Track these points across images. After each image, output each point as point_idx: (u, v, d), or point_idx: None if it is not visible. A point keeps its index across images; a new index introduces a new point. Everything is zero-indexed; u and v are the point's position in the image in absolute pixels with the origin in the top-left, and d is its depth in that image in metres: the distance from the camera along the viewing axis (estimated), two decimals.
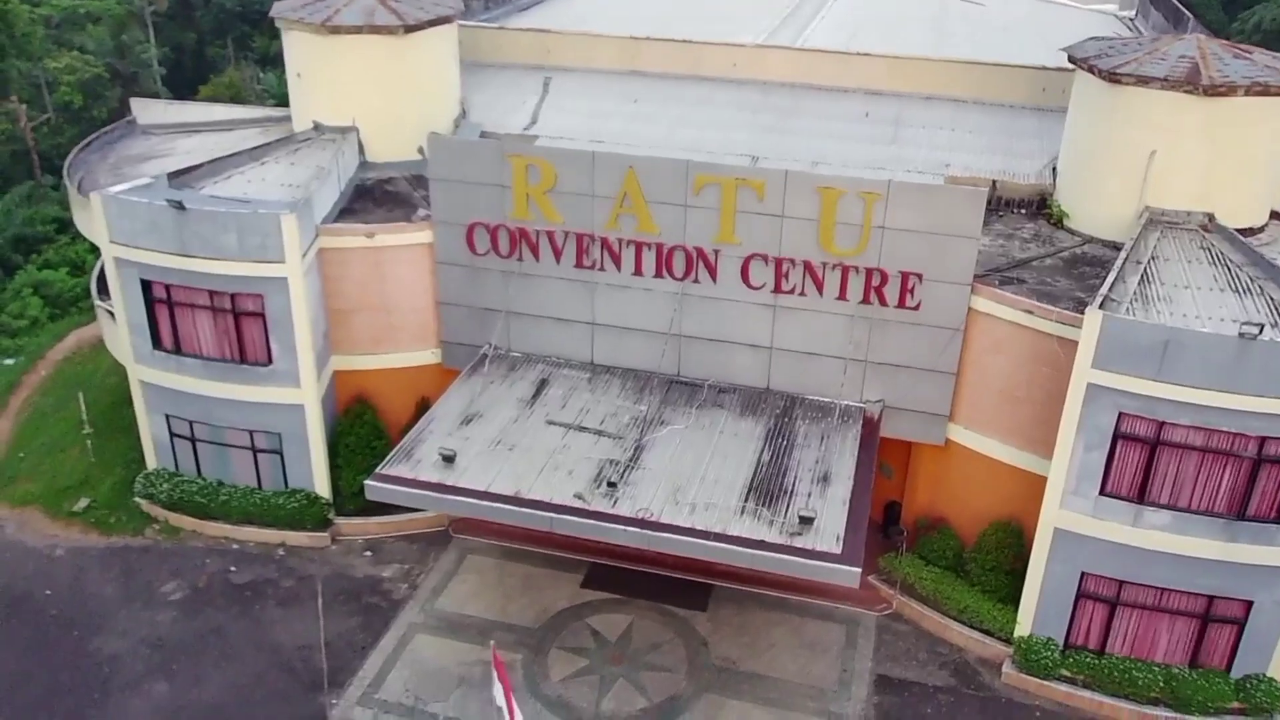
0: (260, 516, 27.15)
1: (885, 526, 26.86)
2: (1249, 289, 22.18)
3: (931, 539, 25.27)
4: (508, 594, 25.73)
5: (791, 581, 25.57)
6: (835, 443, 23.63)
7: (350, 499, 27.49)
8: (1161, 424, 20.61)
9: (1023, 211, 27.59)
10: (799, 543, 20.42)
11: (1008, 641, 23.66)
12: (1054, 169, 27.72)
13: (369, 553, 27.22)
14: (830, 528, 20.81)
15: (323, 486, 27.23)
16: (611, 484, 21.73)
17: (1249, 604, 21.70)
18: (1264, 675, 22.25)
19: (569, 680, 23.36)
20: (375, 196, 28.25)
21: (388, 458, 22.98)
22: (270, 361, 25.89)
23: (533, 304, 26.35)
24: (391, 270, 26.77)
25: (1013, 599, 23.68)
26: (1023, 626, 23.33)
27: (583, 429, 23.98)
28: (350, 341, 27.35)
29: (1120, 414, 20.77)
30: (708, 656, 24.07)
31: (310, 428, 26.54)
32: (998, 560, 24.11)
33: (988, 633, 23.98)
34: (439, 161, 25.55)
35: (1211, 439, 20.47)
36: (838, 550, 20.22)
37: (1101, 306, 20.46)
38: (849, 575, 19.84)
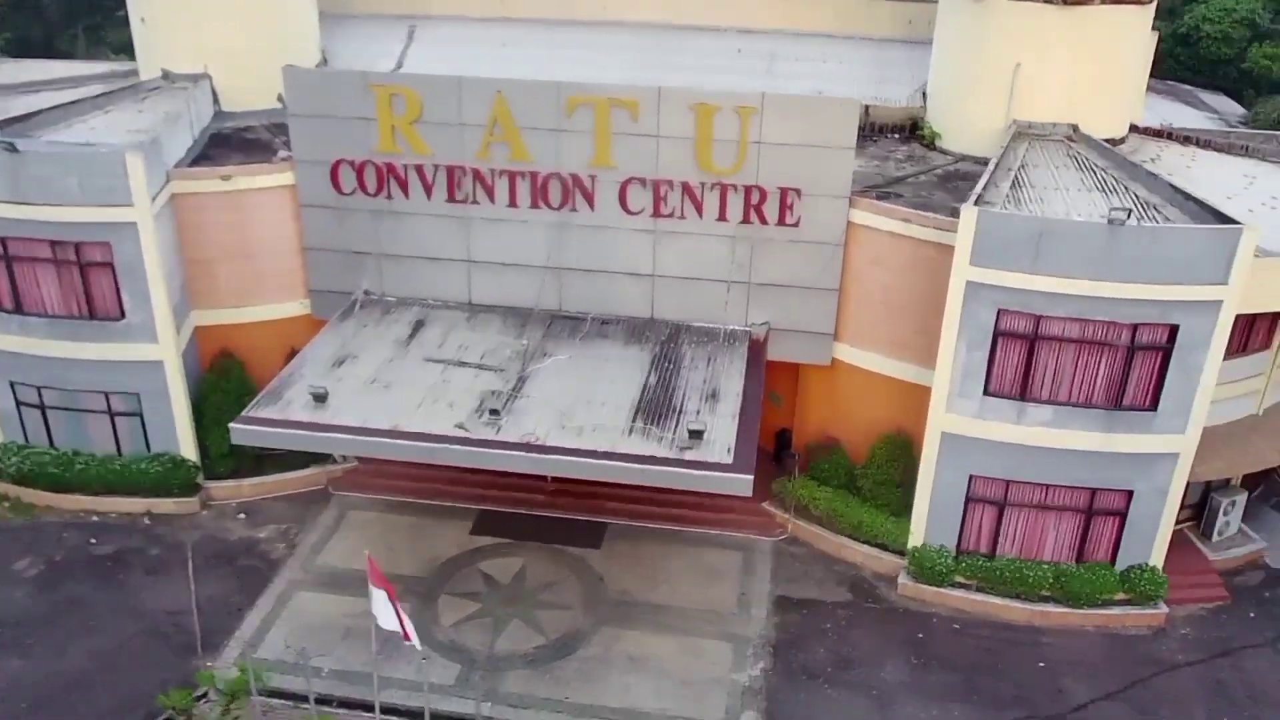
0: (122, 485, 25.42)
1: (777, 453, 26.66)
2: (1115, 188, 22.63)
3: (823, 460, 25.15)
4: (393, 546, 24.64)
5: (686, 513, 25.32)
6: (722, 364, 23.27)
7: (220, 461, 26.00)
8: (1039, 318, 20.81)
9: (896, 136, 27.76)
10: (689, 456, 19.92)
11: (902, 554, 23.66)
12: (924, 94, 27.94)
13: (243, 515, 25.78)
14: (720, 440, 20.40)
15: (188, 449, 25.66)
16: (494, 411, 20.91)
17: (1129, 494, 22.13)
18: (1146, 565, 22.72)
19: (461, 624, 22.46)
20: (233, 143, 26.81)
21: (254, 400, 21.70)
22: (123, 316, 24.23)
23: (405, 244, 25.31)
24: (252, 216, 25.40)
25: (905, 511, 23.71)
26: (915, 536, 23.36)
27: (462, 364, 23.10)
28: (212, 294, 25.85)
29: (999, 311, 20.90)
30: (604, 591, 23.46)
31: (172, 386, 24.95)
32: (888, 474, 24.11)
33: (882, 547, 23.96)
34: (297, 96, 24.31)
35: (1087, 330, 20.75)
36: (729, 460, 19.78)
37: (976, 204, 20.54)
38: (741, 484, 19.45)
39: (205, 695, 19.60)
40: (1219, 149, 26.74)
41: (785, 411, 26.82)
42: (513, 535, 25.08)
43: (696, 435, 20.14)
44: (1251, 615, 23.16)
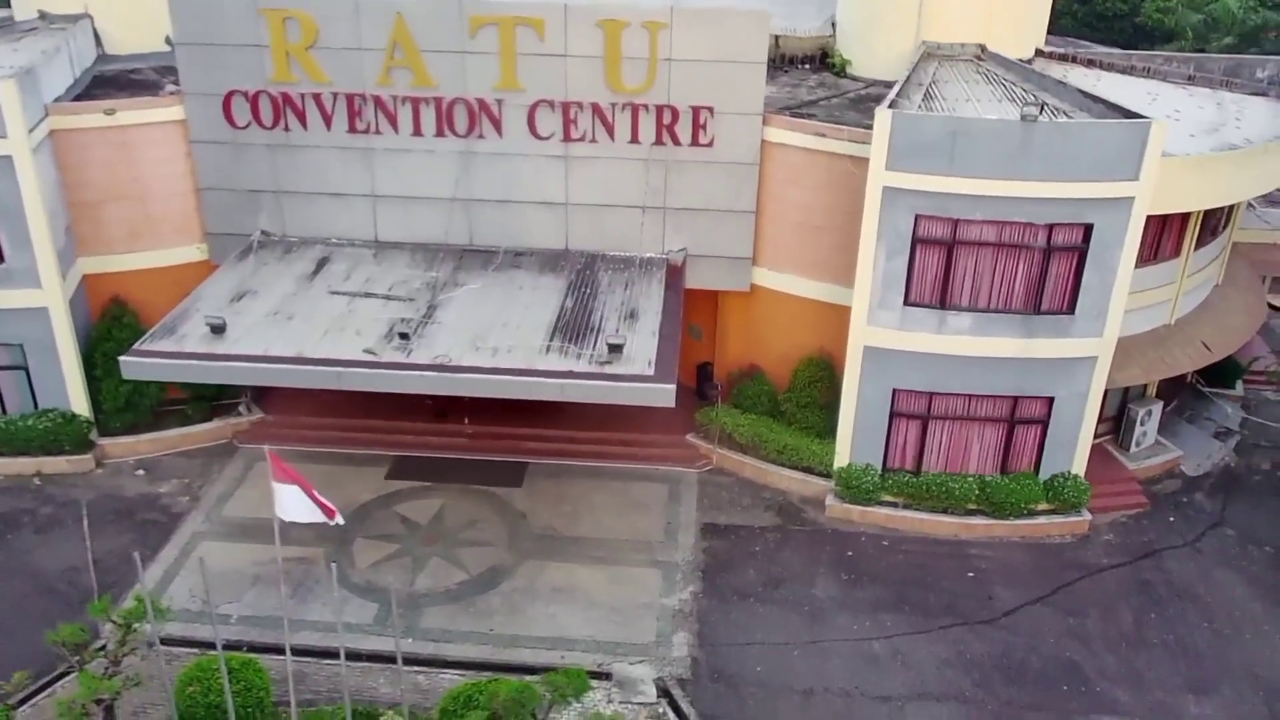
0: (7, 444, 23.87)
1: (699, 387, 26.17)
2: (1025, 99, 22.57)
3: (746, 386, 24.76)
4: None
5: (608, 449, 24.74)
6: (641, 287, 22.71)
7: (115, 416, 24.60)
8: (956, 222, 20.67)
9: (806, 66, 27.49)
10: (610, 370, 19.29)
11: (828, 476, 23.38)
12: (833, 24, 27.71)
13: (141, 472, 24.41)
14: (641, 354, 19.85)
15: (79, 403, 24.21)
16: (404, 336, 20.04)
17: (1050, 401, 22.15)
18: (1069, 473, 22.79)
19: (379, 565, 21.54)
20: (118, 84, 25.37)
21: (146, 335, 20.47)
22: (1, 260, 22.70)
23: (305, 180, 24.22)
24: (141, 154, 24.05)
25: (829, 432, 23.43)
26: (841, 457, 23.09)
27: (369, 295, 22.15)
28: (101, 239, 24.43)
29: (917, 216, 20.71)
30: (527, 527, 22.72)
31: (58, 335, 23.48)
32: (811, 396, 23.81)
33: (808, 470, 23.64)
34: (184, 23, 23.07)
35: (1004, 232, 20.68)
36: (650, 373, 19.21)
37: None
38: (664, 394, 18.91)
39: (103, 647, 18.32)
40: (1122, 71, 27.04)
41: (705, 345, 26.37)
42: (430, 478, 24.18)
43: (616, 349, 19.54)
44: (1171, 519, 23.40)
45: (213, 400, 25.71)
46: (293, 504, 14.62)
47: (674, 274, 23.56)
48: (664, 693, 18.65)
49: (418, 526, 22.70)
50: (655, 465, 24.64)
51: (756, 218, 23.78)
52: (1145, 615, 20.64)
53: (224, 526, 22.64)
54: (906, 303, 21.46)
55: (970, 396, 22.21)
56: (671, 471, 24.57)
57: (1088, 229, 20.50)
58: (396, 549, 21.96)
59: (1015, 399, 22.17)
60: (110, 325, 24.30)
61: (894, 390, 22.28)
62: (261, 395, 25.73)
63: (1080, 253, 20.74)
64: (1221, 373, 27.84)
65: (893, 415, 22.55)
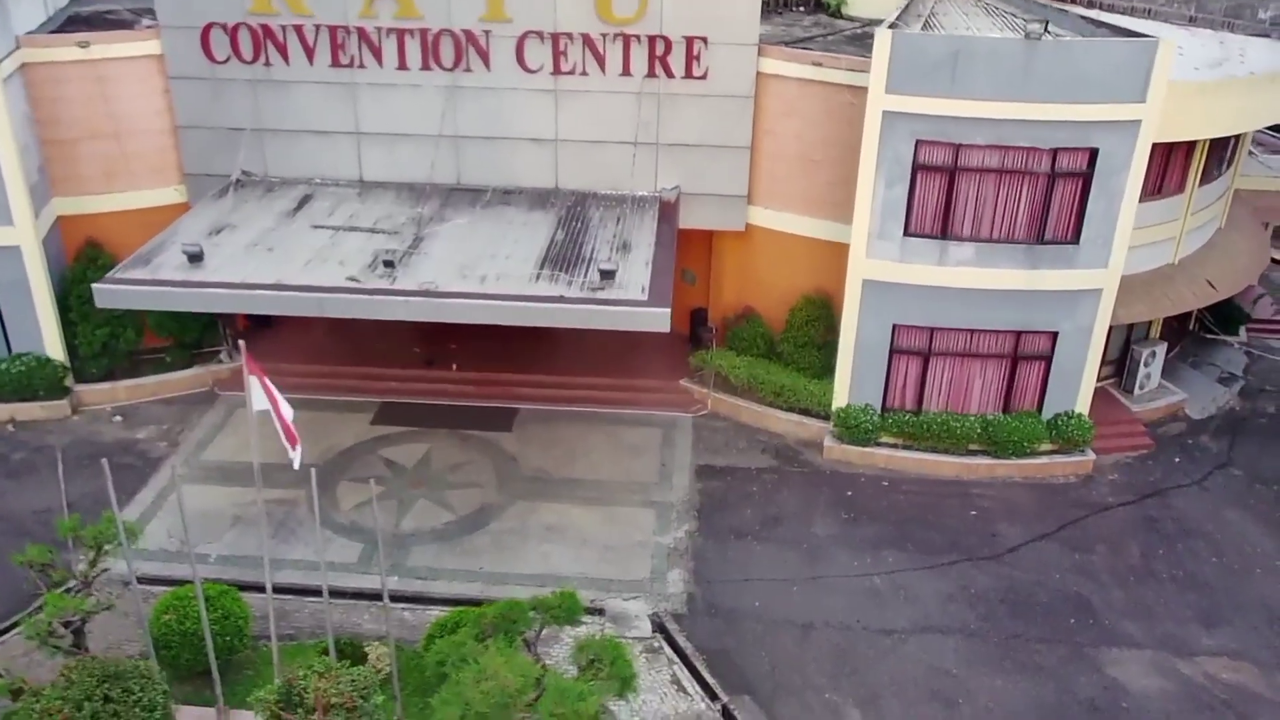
0: None
1: (693, 333, 25.50)
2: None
3: (741, 329, 24.13)
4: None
5: (601, 394, 24.14)
6: (633, 222, 22.05)
7: (91, 361, 23.87)
8: (958, 147, 20.08)
9: (801, 9, 26.97)
10: (602, 296, 18.63)
11: (826, 418, 22.77)
12: None
13: (119, 418, 23.66)
14: (634, 281, 19.20)
15: (54, 347, 23.45)
16: (389, 264, 19.32)
17: (1054, 336, 21.58)
18: (1073, 412, 22.22)
19: (363, 506, 20.79)
20: (93, 23, 24.55)
21: (119, 265, 19.74)
22: None
23: (287, 117, 23.49)
24: (116, 90, 23.29)
25: (827, 373, 22.83)
26: (840, 397, 22.48)
27: (353, 229, 21.43)
28: (76, 179, 23.68)
29: (917, 142, 20.11)
30: (517, 470, 22.06)
31: (32, 276, 22.73)
32: (809, 335, 23.20)
33: (806, 412, 23.03)
34: None
35: (1007, 158, 20.09)
36: (644, 298, 18.56)
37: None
38: (659, 318, 18.26)
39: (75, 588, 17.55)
40: (1123, 12, 26.51)
41: (699, 289, 25.75)
42: (417, 424, 23.50)
43: (608, 276, 18.88)
44: (1176, 460, 22.87)
45: (193, 348, 25.02)
46: (263, 399, 13.91)
47: (667, 210, 22.91)
48: (659, 627, 18.02)
49: (404, 470, 22.03)
50: (649, 410, 23.98)
51: (752, 153, 23.14)
52: (1153, 551, 20.09)
53: (203, 470, 21.93)
54: (906, 234, 20.86)
55: (972, 331, 21.62)
56: (665, 416, 23.95)
57: (1093, 154, 19.92)
58: (382, 491, 21.22)
59: (1018, 334, 21.59)
60: (85, 267, 23.53)
61: (894, 326, 21.69)
62: (243, 331, 25.00)
63: (1085, 179, 20.17)
64: (1224, 321, 27.37)
65: (892, 352, 21.95)
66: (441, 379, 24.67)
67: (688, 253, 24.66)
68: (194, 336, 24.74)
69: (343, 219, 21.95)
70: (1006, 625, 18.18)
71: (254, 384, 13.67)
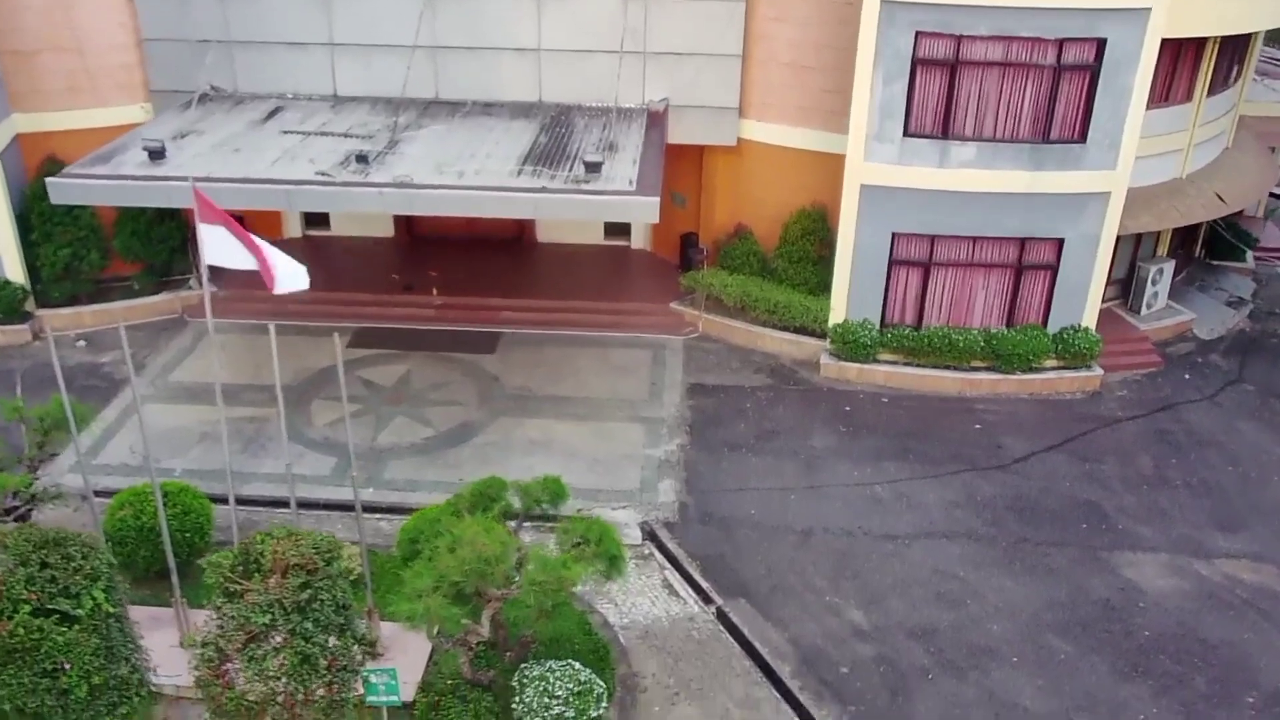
0: None
1: (683, 256, 24.53)
2: None
3: (733, 247, 23.16)
4: (259, 362, 21.76)
5: (587, 316, 23.20)
6: (620, 128, 21.06)
7: (54, 286, 22.79)
8: (960, 39, 19.16)
9: None
10: (588, 188, 17.66)
11: (822, 336, 21.83)
12: None
13: (82, 343, 22.60)
14: (621, 175, 18.20)
15: (14, 269, 22.37)
16: (362, 159, 18.31)
17: (1060, 244, 20.68)
18: (1079, 325, 21.33)
19: (337, 423, 19.78)
20: None
21: (76, 163, 18.69)
22: None
23: (257, 28, 22.43)
24: None
25: (823, 289, 21.89)
26: (837, 313, 21.56)
27: (326, 134, 20.40)
28: (37, 94, 22.59)
29: (917, 34, 19.18)
30: (500, 388, 21.08)
31: None
32: (804, 250, 22.25)
33: (801, 330, 22.08)
34: None
35: (1011, 50, 19.19)
36: (632, 189, 17.59)
37: None
38: (647, 207, 17.31)
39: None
40: None
41: (689, 213, 24.78)
42: (396, 347, 22.48)
43: (594, 168, 17.90)
44: (1186, 377, 22.01)
45: (161, 275, 23.97)
46: (222, 249, 12.84)
47: (656, 120, 21.93)
48: (649, 535, 17.06)
49: (381, 389, 21.04)
50: (638, 333, 23.02)
51: (743, 61, 22.16)
52: (1166, 461, 19.21)
53: (169, 391, 20.92)
54: (906, 134, 19.94)
55: (974, 239, 20.72)
56: (655, 338, 22.98)
57: (1100, 45, 19.03)
58: (358, 409, 20.24)
59: (1022, 241, 20.70)
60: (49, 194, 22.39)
61: (893, 235, 20.77)
62: (215, 269, 23.93)
63: (1092, 73, 19.27)
64: (1231, 247, 26.56)
65: (892, 264, 21.04)
66: (422, 304, 23.67)
67: (677, 174, 23.71)
68: (162, 260, 23.68)
69: (315, 127, 20.91)
70: (1014, 530, 17.27)
71: (210, 234, 12.55)
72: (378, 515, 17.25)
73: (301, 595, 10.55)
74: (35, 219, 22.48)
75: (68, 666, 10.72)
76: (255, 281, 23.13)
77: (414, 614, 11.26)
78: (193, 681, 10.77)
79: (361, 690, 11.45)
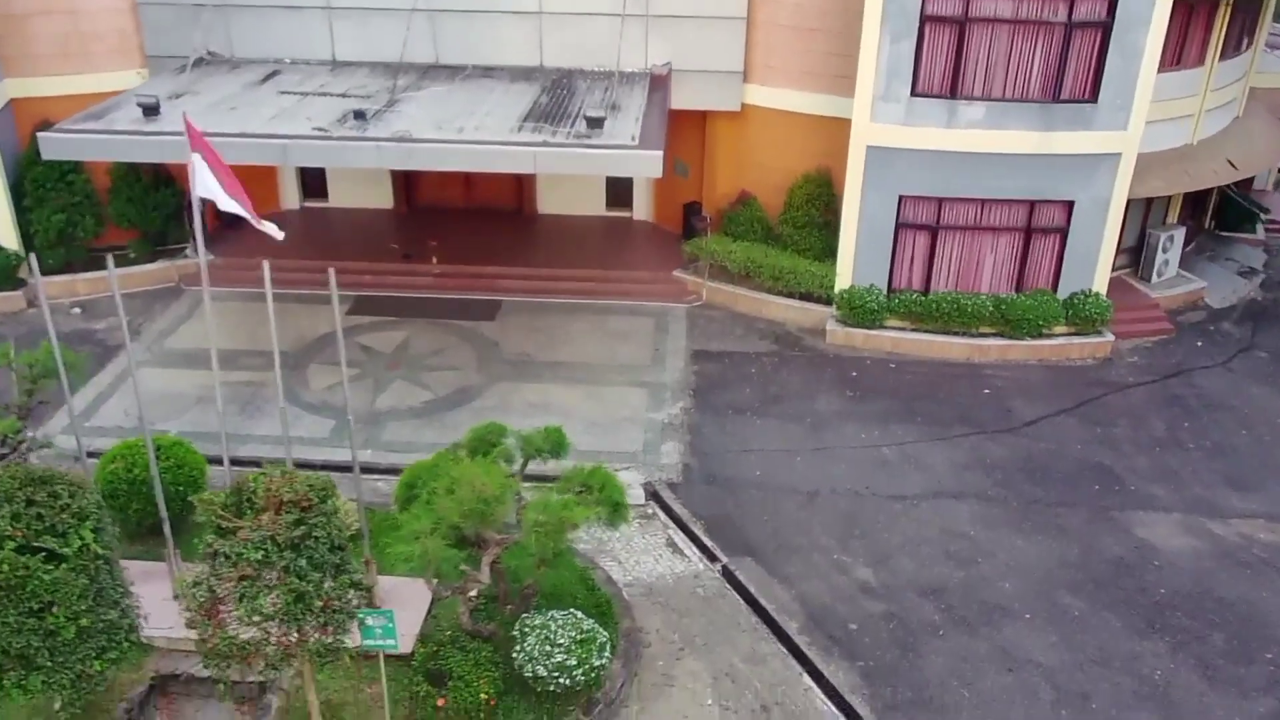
0: None
1: (686, 225, 24.16)
2: None
3: (737, 214, 22.83)
4: (256, 328, 21.43)
5: (588, 285, 22.88)
6: (622, 91, 20.71)
7: (48, 251, 22.44)
8: None
9: None
10: (590, 142, 17.32)
11: (828, 303, 21.49)
12: None
13: (77, 310, 22.28)
14: (624, 130, 17.86)
15: (8, 236, 22.06)
16: (360, 115, 17.97)
17: (1070, 207, 20.34)
18: (1090, 290, 20.98)
19: (335, 387, 19.44)
20: None
21: (69, 118, 18.36)
22: None
23: None
24: None
25: (829, 255, 21.55)
26: (843, 278, 21.21)
27: (324, 94, 20.07)
28: (29, 59, 22.28)
29: None
30: (499, 353, 20.75)
31: None
32: (810, 215, 21.92)
33: (807, 297, 21.75)
34: None
35: (1021, 5, 18.84)
36: (634, 143, 17.24)
37: None
38: (650, 161, 16.98)
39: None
40: None
41: (693, 183, 24.44)
42: (394, 314, 22.16)
43: (596, 123, 17.56)
44: (1199, 344, 21.67)
45: (157, 244, 23.65)
46: (212, 183, 12.49)
47: (658, 83, 21.59)
48: (652, 495, 16.71)
49: (380, 355, 20.72)
50: (640, 301, 22.68)
51: (747, 24, 21.83)
52: (1178, 424, 18.87)
53: (164, 356, 20.61)
54: (914, 93, 19.60)
55: (983, 202, 20.37)
56: (658, 306, 22.65)
57: (1112, 1, 18.67)
58: (356, 373, 19.90)
59: (1032, 204, 20.35)
60: (39, 150, 22.04)
61: (900, 197, 20.43)
62: (210, 238, 23.60)
63: (1104, 29, 18.93)
64: (1240, 218, 26.22)
65: (899, 227, 20.70)
66: (421, 272, 23.34)
67: (680, 142, 23.38)
68: (157, 228, 23.35)
69: (313, 89, 20.58)
70: (1025, 491, 16.92)
71: (199, 164, 12.23)
72: (375, 476, 16.93)
73: (295, 532, 10.19)
74: (28, 185, 22.19)
75: (56, 609, 10.39)
76: (252, 249, 23.03)
77: (411, 556, 10.92)
78: (184, 622, 10.41)
79: (358, 636, 11.10)
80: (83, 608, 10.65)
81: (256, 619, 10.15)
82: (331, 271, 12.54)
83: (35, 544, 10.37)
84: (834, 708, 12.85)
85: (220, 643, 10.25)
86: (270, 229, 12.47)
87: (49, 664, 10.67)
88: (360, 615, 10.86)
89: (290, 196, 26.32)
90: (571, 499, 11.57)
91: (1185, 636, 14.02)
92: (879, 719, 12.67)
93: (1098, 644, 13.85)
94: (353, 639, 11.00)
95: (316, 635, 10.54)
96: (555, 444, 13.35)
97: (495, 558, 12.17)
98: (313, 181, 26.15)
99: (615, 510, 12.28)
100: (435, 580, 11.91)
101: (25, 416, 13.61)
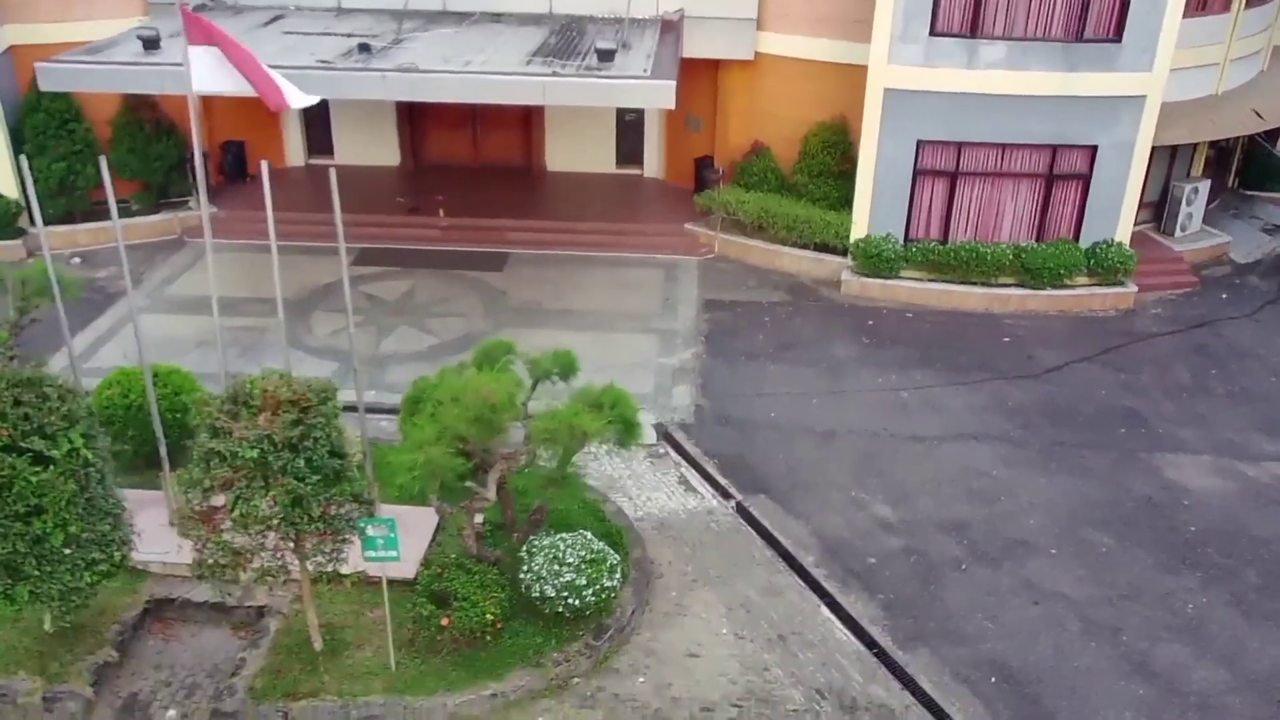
0: None
1: (698, 179, 23.65)
2: None
3: (750, 164, 22.33)
4: (259, 278, 20.92)
5: (598, 238, 22.40)
6: (634, 33, 20.21)
7: (48, 201, 21.96)
8: None
9: None
10: (601, 73, 16.85)
11: (844, 253, 20.98)
12: None
13: (78, 260, 21.88)
14: (635, 64, 17.39)
15: (6, 183, 21.67)
16: (365, 48, 17.52)
17: (1093, 152, 19.80)
18: (1112, 240, 20.45)
19: (339, 333, 19.02)
20: None
21: (68, 50, 17.96)
22: None
23: None
24: None
25: (845, 204, 21.05)
26: (859, 227, 20.71)
27: (328, 35, 19.63)
28: (29, 5, 21.94)
29: None
30: (506, 302, 20.33)
31: None
32: (824, 163, 21.44)
33: (822, 248, 21.25)
34: None
35: None
36: (647, 74, 16.77)
37: None
38: (663, 91, 16.50)
39: None
40: None
41: (705, 138, 23.96)
42: (400, 265, 21.73)
43: (607, 56, 17.11)
44: (1224, 297, 21.13)
45: (159, 197, 23.26)
46: (209, 72, 12.03)
47: (669, 28, 21.11)
48: (664, 436, 16.23)
49: (385, 303, 20.29)
50: (650, 253, 22.20)
51: None
52: (1205, 371, 18.34)
53: (166, 302, 20.25)
54: (933, 33, 19.09)
55: (1003, 147, 19.86)
56: (668, 259, 22.17)
57: None
58: (360, 319, 19.43)
59: (1054, 149, 19.83)
60: (39, 95, 21.70)
61: (918, 142, 19.92)
62: (213, 191, 23.25)
63: None
64: (1263, 176, 25.66)
65: (916, 174, 20.19)
66: (427, 225, 22.89)
67: (691, 95, 22.81)
68: (159, 180, 22.96)
69: (317, 30, 20.15)
70: (1048, 433, 16.41)
71: (200, 58, 11.73)
72: (379, 415, 16.43)
73: (293, 432, 9.75)
74: (28, 132, 21.77)
75: (44, 515, 9.95)
76: (255, 201, 22.61)
77: (414, 465, 10.45)
78: (176, 530, 9.97)
79: (359, 551, 10.63)
80: (72, 514, 10.20)
81: (253, 525, 9.71)
82: (337, 207, 11.93)
83: (22, 444, 9.93)
84: (853, 637, 12.34)
85: (213, 545, 9.81)
86: (298, 94, 11.80)
87: (36, 573, 10.24)
88: (360, 524, 10.40)
89: (295, 153, 25.91)
90: (579, 407, 11.08)
91: (1218, 572, 13.50)
92: (901, 649, 12.15)
93: (1127, 579, 13.34)
94: (354, 560, 10.55)
95: (315, 543, 10.10)
96: (565, 366, 12.85)
97: (502, 476, 11.70)
98: (318, 137, 25.73)
99: (628, 429, 11.80)
100: (439, 499, 11.43)
101: (17, 334, 13.16)
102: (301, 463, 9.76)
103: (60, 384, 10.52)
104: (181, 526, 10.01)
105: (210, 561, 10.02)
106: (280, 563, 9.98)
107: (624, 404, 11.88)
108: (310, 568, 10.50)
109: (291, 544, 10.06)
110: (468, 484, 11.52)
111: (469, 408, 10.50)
